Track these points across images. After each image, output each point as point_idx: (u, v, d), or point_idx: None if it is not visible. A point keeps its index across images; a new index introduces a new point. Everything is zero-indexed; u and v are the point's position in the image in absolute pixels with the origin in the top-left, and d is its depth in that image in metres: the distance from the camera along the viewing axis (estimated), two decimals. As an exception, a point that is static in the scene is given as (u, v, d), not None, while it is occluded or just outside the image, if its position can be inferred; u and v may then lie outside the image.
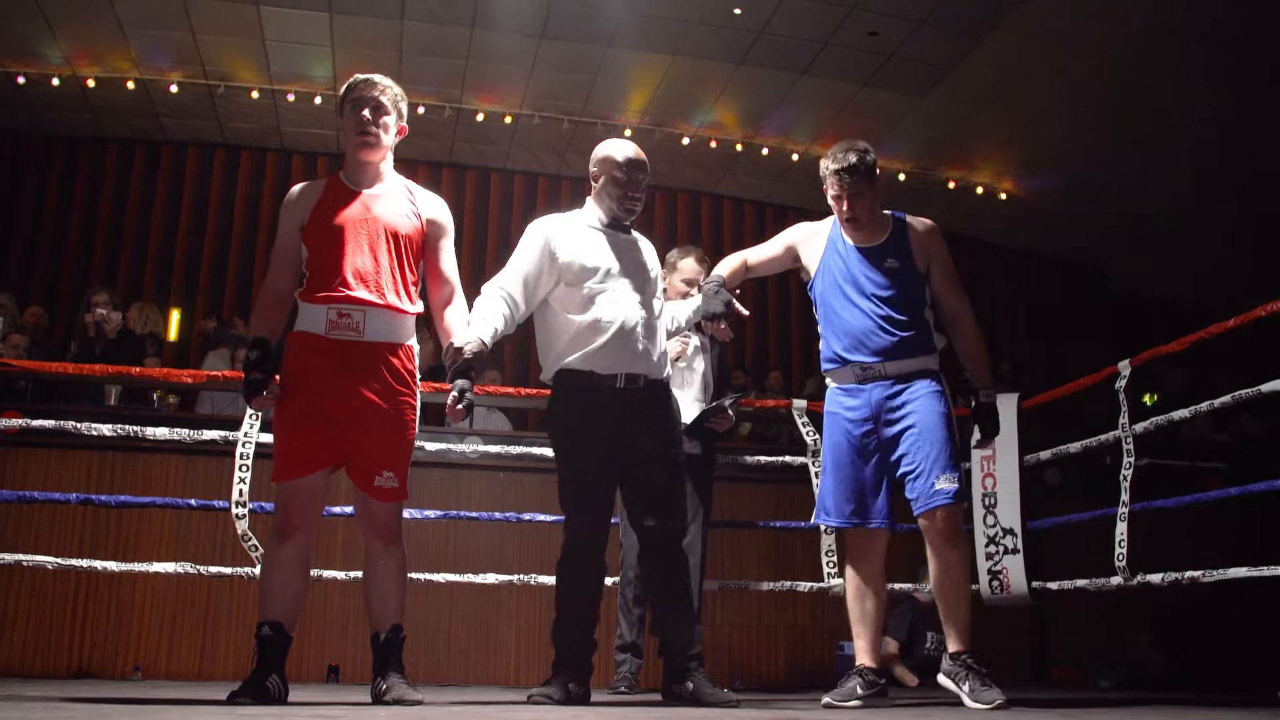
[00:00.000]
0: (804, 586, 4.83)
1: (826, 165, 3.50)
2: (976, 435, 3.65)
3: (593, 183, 3.49)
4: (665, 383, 3.45)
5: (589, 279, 3.33)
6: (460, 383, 3.12)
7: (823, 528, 4.52)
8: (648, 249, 3.55)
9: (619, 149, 3.46)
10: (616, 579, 4.25)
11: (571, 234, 3.40)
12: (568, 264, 3.34)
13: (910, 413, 3.38)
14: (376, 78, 3.19)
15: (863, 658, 3.44)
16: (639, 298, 3.38)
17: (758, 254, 3.69)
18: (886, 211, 3.56)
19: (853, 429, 3.43)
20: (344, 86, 3.21)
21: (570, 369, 3.32)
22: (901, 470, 3.38)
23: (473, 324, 3.23)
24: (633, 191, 3.42)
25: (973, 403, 3.53)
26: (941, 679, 3.43)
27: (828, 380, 3.56)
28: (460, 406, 3.11)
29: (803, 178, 9.22)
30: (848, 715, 3.12)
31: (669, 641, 3.36)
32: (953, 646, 3.36)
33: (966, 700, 3.22)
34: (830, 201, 3.51)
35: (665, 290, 4.37)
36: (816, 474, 4.48)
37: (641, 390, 3.33)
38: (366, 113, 3.15)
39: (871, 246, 3.49)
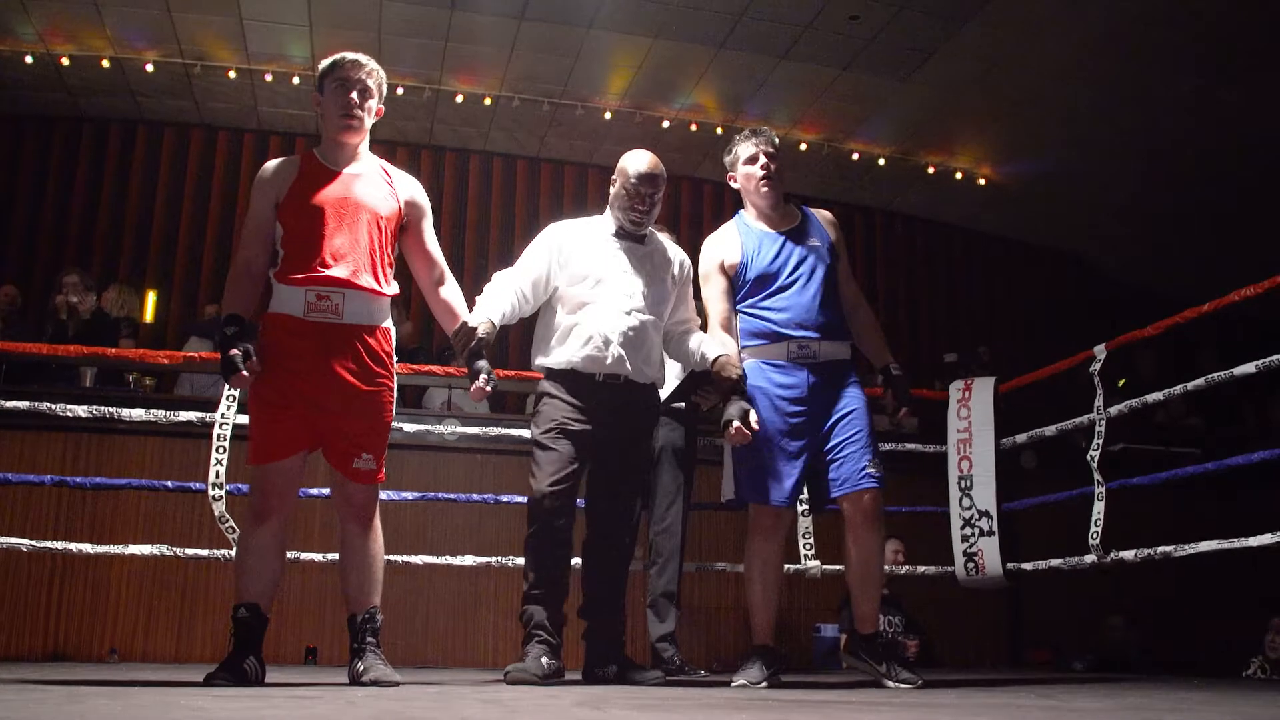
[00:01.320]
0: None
1: (742, 138, 3.65)
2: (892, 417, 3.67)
3: (612, 192, 3.62)
4: (649, 385, 3.56)
5: (580, 283, 3.47)
6: (481, 364, 3.25)
7: (800, 509, 4.54)
8: (666, 260, 3.64)
9: (634, 161, 3.59)
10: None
11: (579, 240, 3.56)
12: (565, 266, 3.49)
13: (842, 398, 3.42)
14: (363, 58, 3.16)
15: (766, 637, 3.44)
16: (633, 305, 3.48)
17: (718, 305, 3.55)
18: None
19: (785, 407, 3.41)
20: (327, 62, 3.17)
21: (554, 364, 3.48)
22: (831, 453, 3.39)
23: (481, 305, 3.37)
24: (639, 204, 3.53)
25: (883, 378, 3.57)
26: (850, 661, 3.48)
27: (748, 356, 3.49)
28: (489, 389, 3.23)
29: (784, 162, 9.21)
30: (828, 695, 3.14)
31: (599, 629, 3.51)
32: (865, 629, 3.43)
33: (888, 681, 3.29)
34: (747, 168, 3.61)
35: None
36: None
37: (621, 387, 3.46)
38: (354, 95, 3.13)
39: (792, 229, 3.57)
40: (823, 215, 3.67)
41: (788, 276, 3.47)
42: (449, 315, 3.29)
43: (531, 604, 3.36)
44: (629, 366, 3.45)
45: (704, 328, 3.63)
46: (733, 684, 3.33)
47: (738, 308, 3.55)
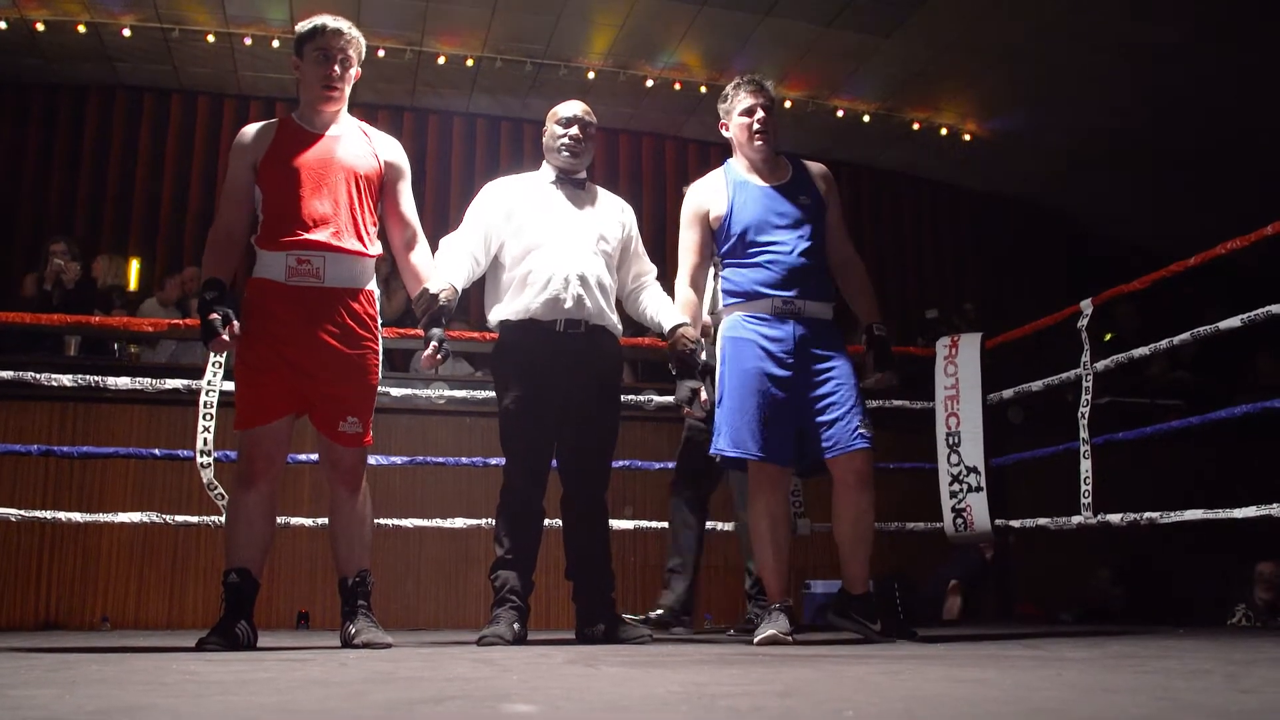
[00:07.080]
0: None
1: (739, 86, 3.51)
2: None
3: (544, 142, 3.64)
4: (611, 330, 3.54)
5: (527, 232, 3.46)
6: (435, 331, 3.19)
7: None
8: (607, 204, 3.65)
9: (560, 107, 3.65)
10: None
11: (519, 191, 3.56)
12: (509, 217, 3.48)
13: (829, 357, 3.34)
14: (344, 26, 3.13)
15: (784, 596, 3.38)
16: (581, 249, 3.47)
17: (691, 261, 3.47)
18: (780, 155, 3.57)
19: (772, 361, 3.30)
20: (306, 28, 3.12)
21: (511, 318, 3.45)
22: (821, 414, 3.30)
23: (441, 271, 3.31)
24: (570, 141, 3.56)
25: (865, 337, 3.51)
26: (836, 620, 3.44)
27: (733, 311, 3.41)
28: (439, 356, 3.16)
29: (780, 114, 9.16)
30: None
31: (587, 587, 3.51)
32: (857, 589, 3.39)
33: (883, 638, 3.28)
34: (742, 119, 3.48)
35: None
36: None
37: (583, 335, 3.43)
38: (335, 67, 3.11)
39: (782, 184, 3.46)
40: (815, 168, 3.54)
41: (774, 235, 3.36)
42: (416, 280, 3.25)
43: (504, 569, 3.40)
44: (589, 307, 3.43)
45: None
46: (756, 640, 3.23)
47: (722, 264, 3.47)
